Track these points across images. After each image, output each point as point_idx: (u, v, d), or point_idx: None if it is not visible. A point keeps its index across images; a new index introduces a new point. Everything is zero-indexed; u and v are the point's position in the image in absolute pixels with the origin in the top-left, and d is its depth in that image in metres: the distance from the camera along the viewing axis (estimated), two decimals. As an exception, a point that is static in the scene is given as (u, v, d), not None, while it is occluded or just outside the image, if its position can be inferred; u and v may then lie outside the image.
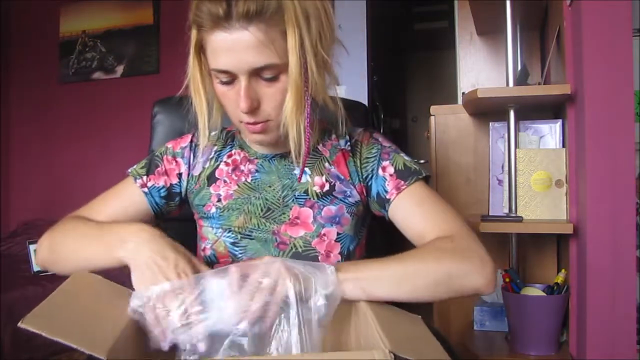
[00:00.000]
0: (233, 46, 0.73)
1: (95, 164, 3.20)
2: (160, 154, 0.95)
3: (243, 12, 0.70)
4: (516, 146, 1.45)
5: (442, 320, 1.65)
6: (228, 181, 0.90)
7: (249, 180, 0.90)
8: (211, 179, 0.91)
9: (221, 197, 0.89)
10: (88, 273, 0.75)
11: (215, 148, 0.94)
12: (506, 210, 1.46)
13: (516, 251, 1.54)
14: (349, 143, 0.93)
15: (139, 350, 0.64)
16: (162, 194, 0.93)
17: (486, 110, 1.59)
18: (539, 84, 1.62)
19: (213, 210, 0.89)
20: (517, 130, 1.46)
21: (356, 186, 0.89)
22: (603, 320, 1.18)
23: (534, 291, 1.37)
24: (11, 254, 2.76)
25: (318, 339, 0.63)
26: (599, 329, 1.19)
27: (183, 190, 0.94)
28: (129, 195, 0.92)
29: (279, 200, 0.88)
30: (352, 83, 2.65)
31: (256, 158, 0.92)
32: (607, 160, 1.18)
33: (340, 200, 0.88)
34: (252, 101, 0.77)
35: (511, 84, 1.44)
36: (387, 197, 0.87)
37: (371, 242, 1.00)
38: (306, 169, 0.89)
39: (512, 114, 1.44)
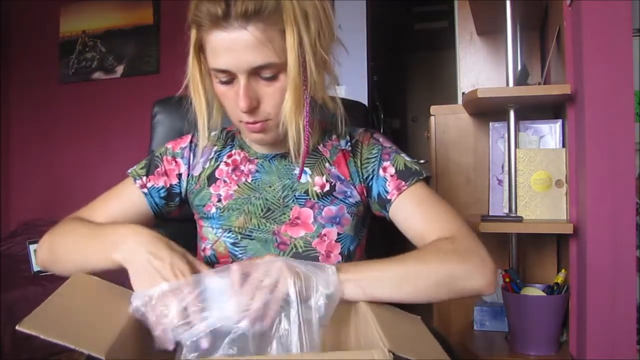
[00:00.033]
0: (232, 45, 0.73)
1: (95, 164, 3.20)
2: (160, 154, 0.95)
3: (241, 11, 0.70)
4: (516, 146, 1.45)
5: (442, 320, 1.65)
6: (228, 181, 0.90)
7: (249, 180, 0.90)
8: (211, 179, 0.91)
9: (221, 197, 0.89)
10: (86, 274, 0.75)
11: (215, 148, 0.94)
12: (506, 210, 1.46)
13: (516, 251, 1.54)
14: (349, 143, 0.93)
15: (138, 350, 0.64)
16: (162, 195, 0.93)
17: (486, 110, 1.59)
18: (539, 84, 1.62)
19: (213, 210, 0.89)
20: (517, 130, 1.46)
21: (356, 186, 0.89)
22: (603, 320, 1.18)
23: (534, 291, 1.37)
24: (11, 254, 2.76)
25: (318, 338, 0.63)
26: (599, 329, 1.19)
27: (183, 190, 0.94)
28: (128, 196, 0.92)
29: (279, 200, 0.88)
30: (352, 83, 2.65)
31: (256, 158, 0.92)
32: (607, 160, 1.18)
33: (341, 200, 0.88)
34: (251, 100, 0.77)
35: (511, 84, 1.44)
36: (388, 197, 0.87)
37: (371, 242, 1.00)
38: (307, 169, 0.89)
39: (512, 114, 1.44)
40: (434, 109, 1.71)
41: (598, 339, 1.19)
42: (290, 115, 0.77)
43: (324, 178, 0.88)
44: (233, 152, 0.94)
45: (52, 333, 0.54)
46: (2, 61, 3.35)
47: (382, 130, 3.00)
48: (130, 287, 0.69)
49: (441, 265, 0.75)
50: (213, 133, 0.95)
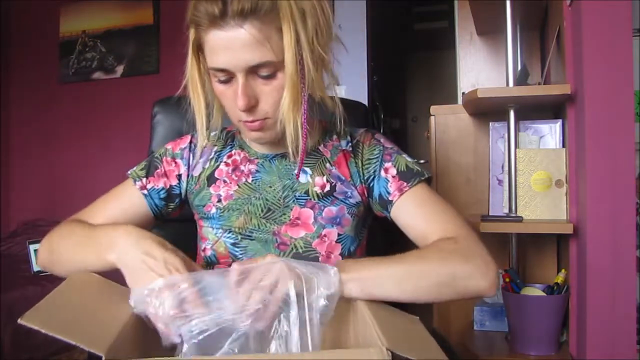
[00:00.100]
0: (229, 44, 0.73)
1: (95, 164, 3.20)
2: (160, 155, 0.95)
3: (238, 10, 0.71)
4: (516, 146, 1.45)
5: (442, 320, 1.65)
6: (228, 181, 0.90)
7: (249, 180, 0.90)
8: (211, 179, 0.91)
9: (221, 198, 0.89)
10: (87, 273, 0.75)
11: (215, 148, 0.94)
12: (506, 210, 1.46)
13: (516, 251, 1.54)
14: (350, 144, 0.93)
15: (138, 348, 0.64)
16: (162, 196, 0.93)
17: (486, 110, 1.59)
18: (539, 84, 1.62)
19: (213, 210, 0.89)
20: (517, 130, 1.46)
21: (357, 187, 0.89)
22: (603, 320, 1.18)
23: (534, 291, 1.37)
24: (11, 254, 2.76)
25: (318, 338, 0.63)
26: (599, 329, 1.19)
27: (183, 191, 0.94)
28: (128, 198, 0.92)
29: (279, 200, 0.88)
30: (352, 83, 2.65)
31: (257, 158, 0.92)
32: (607, 160, 1.18)
33: (341, 201, 0.88)
34: (250, 99, 0.77)
35: (511, 84, 1.44)
36: (390, 198, 0.87)
37: (372, 242, 1.00)
38: (307, 169, 0.89)
39: (512, 114, 1.44)
40: (434, 109, 1.71)
41: (598, 339, 1.19)
42: (288, 113, 0.77)
43: (325, 178, 0.88)
44: (233, 152, 0.94)
45: (53, 328, 0.54)
46: (2, 61, 3.35)
47: (382, 130, 3.00)
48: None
49: (443, 266, 0.75)
50: (213, 133, 0.95)
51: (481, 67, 2.04)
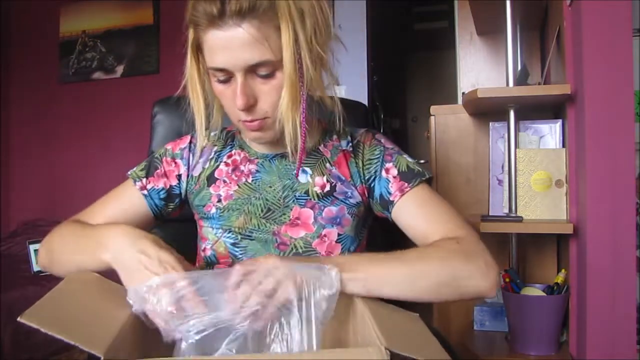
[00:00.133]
0: (228, 44, 0.73)
1: (95, 164, 3.20)
2: (160, 155, 0.95)
3: (236, 9, 0.71)
4: (516, 146, 1.45)
5: (442, 320, 1.65)
6: (228, 181, 0.90)
7: (249, 180, 0.90)
8: (211, 179, 0.91)
9: (221, 198, 0.89)
10: (86, 272, 0.75)
11: (215, 148, 0.94)
12: (506, 210, 1.46)
13: (516, 251, 1.54)
14: (350, 144, 0.93)
15: (137, 348, 0.64)
16: (162, 196, 0.93)
17: (486, 110, 1.59)
18: (539, 84, 1.62)
19: (213, 210, 0.89)
20: (517, 130, 1.46)
21: (357, 187, 0.89)
22: (603, 320, 1.18)
23: (534, 291, 1.37)
24: (11, 254, 2.76)
25: (318, 338, 0.63)
26: (599, 329, 1.19)
27: (183, 191, 0.94)
28: (128, 198, 0.92)
29: (279, 200, 0.88)
30: (352, 83, 2.65)
31: (257, 158, 0.92)
32: (607, 160, 1.18)
33: (341, 201, 0.88)
34: (249, 98, 0.77)
35: (511, 84, 1.44)
36: (391, 199, 0.87)
37: (372, 242, 1.00)
38: (307, 169, 0.89)
39: (512, 114, 1.44)
40: (434, 109, 1.71)
41: (598, 339, 1.19)
42: (287, 112, 0.77)
43: (325, 178, 0.88)
44: (233, 152, 0.94)
45: (53, 327, 0.54)
46: (2, 61, 3.34)
47: (382, 130, 3.00)
48: None
49: (444, 265, 0.74)
50: (213, 133, 0.95)
51: (481, 67, 2.04)
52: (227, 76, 0.77)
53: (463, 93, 1.78)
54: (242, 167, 0.91)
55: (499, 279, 0.77)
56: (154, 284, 0.65)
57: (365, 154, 0.91)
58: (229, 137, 0.96)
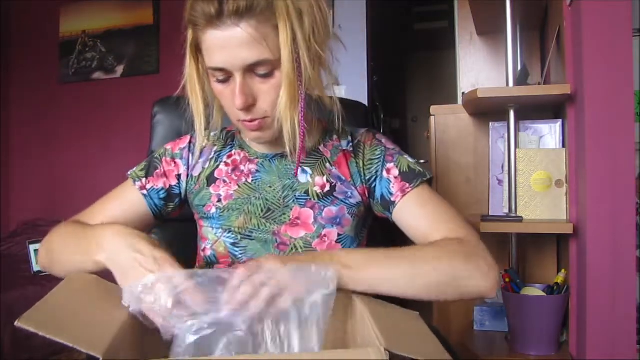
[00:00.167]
0: (226, 43, 0.73)
1: (95, 164, 3.20)
2: (159, 155, 0.95)
3: (234, 9, 0.71)
4: (516, 146, 1.45)
5: (442, 319, 1.65)
6: (228, 181, 0.90)
7: (249, 180, 0.90)
8: (211, 179, 0.91)
9: (221, 198, 0.89)
10: (84, 274, 0.75)
11: (215, 148, 0.94)
12: (506, 210, 1.46)
13: (516, 251, 1.54)
14: (351, 144, 0.93)
15: (136, 349, 0.64)
16: (162, 196, 0.93)
17: (486, 110, 1.59)
18: (539, 84, 1.62)
19: (213, 210, 0.89)
20: (517, 130, 1.46)
21: (358, 187, 0.89)
22: (603, 320, 1.18)
23: (534, 291, 1.37)
24: (11, 254, 2.76)
25: (318, 340, 0.63)
26: (599, 329, 1.19)
27: (182, 191, 0.94)
28: (128, 198, 0.92)
29: (279, 200, 0.88)
30: (352, 83, 2.65)
31: (257, 158, 0.92)
32: (607, 160, 1.18)
33: (342, 201, 0.88)
34: (247, 98, 0.77)
35: (511, 84, 1.44)
36: (392, 199, 0.87)
37: (372, 242, 0.99)
38: (307, 169, 0.89)
39: (512, 114, 1.44)
40: (434, 109, 1.71)
41: (598, 339, 1.19)
42: (285, 111, 0.77)
43: (325, 178, 0.88)
44: (233, 152, 0.94)
45: (51, 330, 0.54)
46: (2, 61, 3.35)
47: (382, 130, 3.00)
48: None
49: (447, 265, 0.74)
50: (213, 133, 0.95)
51: (481, 67, 2.04)
52: (226, 76, 0.77)
53: (463, 93, 1.78)
54: (242, 167, 0.91)
55: (500, 280, 0.77)
56: (149, 281, 0.65)
57: (366, 154, 0.91)
58: (229, 137, 0.96)
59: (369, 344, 0.56)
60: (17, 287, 2.19)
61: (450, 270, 0.74)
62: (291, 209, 0.87)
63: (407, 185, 0.86)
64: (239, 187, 0.89)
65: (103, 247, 0.73)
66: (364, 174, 0.90)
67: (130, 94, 3.15)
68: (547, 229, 1.43)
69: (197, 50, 0.80)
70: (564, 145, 1.45)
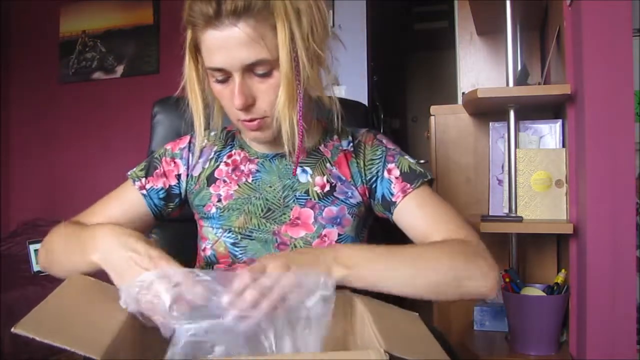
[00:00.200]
0: (224, 43, 0.74)
1: (95, 164, 3.20)
2: (159, 155, 0.95)
3: (231, 9, 0.71)
4: (516, 146, 1.45)
5: (442, 319, 1.65)
6: (228, 181, 0.90)
7: (249, 180, 0.90)
8: (211, 179, 0.91)
9: (221, 197, 0.89)
10: (83, 276, 0.75)
11: (215, 148, 0.94)
12: (506, 210, 1.46)
13: (516, 251, 1.54)
14: (351, 144, 0.93)
15: (134, 351, 0.64)
16: (161, 196, 0.93)
17: (486, 110, 1.59)
18: (539, 84, 1.62)
19: (213, 210, 0.89)
20: (517, 130, 1.46)
21: (358, 187, 0.89)
22: (603, 320, 1.18)
23: (534, 291, 1.37)
24: (11, 254, 2.76)
25: (315, 339, 0.63)
26: (599, 329, 1.19)
27: (182, 191, 0.94)
28: (128, 198, 0.92)
29: (279, 200, 0.88)
30: (352, 83, 2.65)
31: (257, 158, 0.92)
32: (607, 160, 1.18)
33: (342, 201, 0.88)
34: (246, 97, 0.77)
35: (511, 84, 1.44)
36: (393, 199, 0.87)
37: (372, 242, 0.99)
38: (307, 169, 0.89)
39: (512, 114, 1.44)
40: (434, 109, 1.71)
41: (598, 339, 1.19)
42: (284, 110, 0.77)
43: (325, 178, 0.88)
44: (233, 152, 0.94)
45: (48, 335, 0.54)
46: (2, 61, 3.34)
47: (382, 130, 2.99)
48: None
49: (447, 265, 0.75)
50: (213, 133, 0.95)
51: (481, 67, 2.04)
52: (225, 76, 0.78)
53: (463, 93, 1.78)
54: (242, 167, 0.91)
55: (500, 280, 0.77)
56: (146, 279, 0.64)
57: (367, 154, 0.91)
58: (229, 137, 0.96)
59: (369, 346, 0.56)
60: (17, 287, 2.19)
61: (451, 271, 0.74)
62: (291, 209, 0.87)
63: (408, 185, 0.86)
64: (239, 187, 0.89)
65: (97, 247, 0.73)
66: (365, 174, 0.90)
67: (130, 94, 3.15)
68: (547, 229, 1.43)
69: (196, 50, 0.80)
70: (564, 145, 1.45)
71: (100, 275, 0.74)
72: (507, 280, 1.40)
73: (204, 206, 0.90)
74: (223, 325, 0.61)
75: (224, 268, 0.88)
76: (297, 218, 0.87)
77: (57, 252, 0.83)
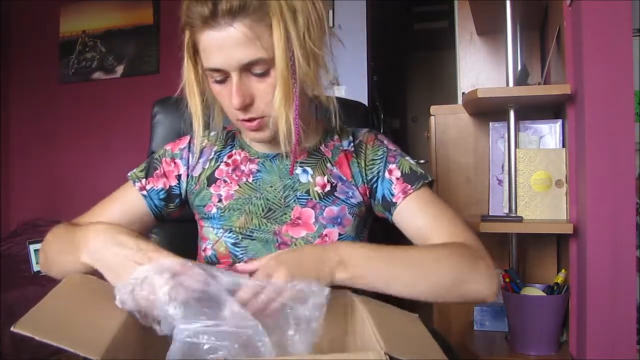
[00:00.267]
0: (221, 43, 0.74)
1: (95, 164, 3.20)
2: (159, 156, 0.95)
3: (227, 9, 0.72)
4: (516, 146, 1.45)
5: (442, 320, 1.65)
6: (228, 181, 0.90)
7: (250, 180, 0.90)
8: (211, 179, 0.91)
9: (222, 198, 0.89)
10: (82, 275, 0.75)
11: (215, 148, 0.94)
12: (506, 210, 1.46)
13: (516, 251, 1.54)
14: (352, 144, 0.93)
15: (137, 348, 0.64)
16: (162, 197, 0.93)
17: (486, 110, 1.59)
18: (539, 84, 1.62)
19: (214, 210, 0.89)
20: (517, 130, 1.46)
21: (359, 187, 0.89)
22: (603, 320, 1.18)
23: (534, 291, 1.37)
24: (11, 254, 2.76)
25: (310, 340, 0.63)
26: (599, 329, 1.19)
27: (182, 191, 0.94)
28: (128, 199, 0.92)
29: (280, 200, 0.88)
30: (352, 83, 2.65)
31: (257, 157, 0.92)
32: (607, 160, 1.18)
33: (343, 201, 0.88)
34: (244, 97, 0.77)
35: (511, 84, 1.44)
36: (394, 200, 0.87)
37: (372, 242, 0.99)
38: (308, 169, 0.89)
39: (512, 114, 1.44)
40: (434, 109, 1.71)
41: (598, 339, 1.19)
42: (280, 109, 0.77)
43: (325, 178, 0.88)
44: (233, 152, 0.94)
45: (47, 334, 0.54)
46: (2, 61, 3.35)
47: (382, 130, 3.00)
48: None
49: (448, 268, 0.75)
50: (213, 133, 0.95)
51: (481, 67, 2.04)
52: (224, 76, 0.78)
53: (463, 93, 1.78)
54: (242, 167, 0.91)
55: (500, 284, 0.78)
56: (140, 275, 0.64)
57: (368, 154, 0.91)
58: (229, 137, 0.96)
59: (369, 347, 0.56)
60: (17, 287, 2.19)
61: (452, 274, 0.74)
62: (292, 209, 0.87)
63: (409, 186, 0.86)
64: (240, 187, 0.89)
65: (87, 247, 0.73)
66: (366, 174, 0.90)
67: (130, 94, 3.15)
68: (547, 229, 1.43)
69: (195, 51, 0.80)
70: (564, 145, 1.45)
71: (99, 274, 0.74)
72: (507, 280, 1.40)
73: (204, 206, 0.90)
74: (221, 328, 0.61)
75: (224, 268, 0.88)
76: (298, 218, 0.87)
77: (54, 252, 0.83)
